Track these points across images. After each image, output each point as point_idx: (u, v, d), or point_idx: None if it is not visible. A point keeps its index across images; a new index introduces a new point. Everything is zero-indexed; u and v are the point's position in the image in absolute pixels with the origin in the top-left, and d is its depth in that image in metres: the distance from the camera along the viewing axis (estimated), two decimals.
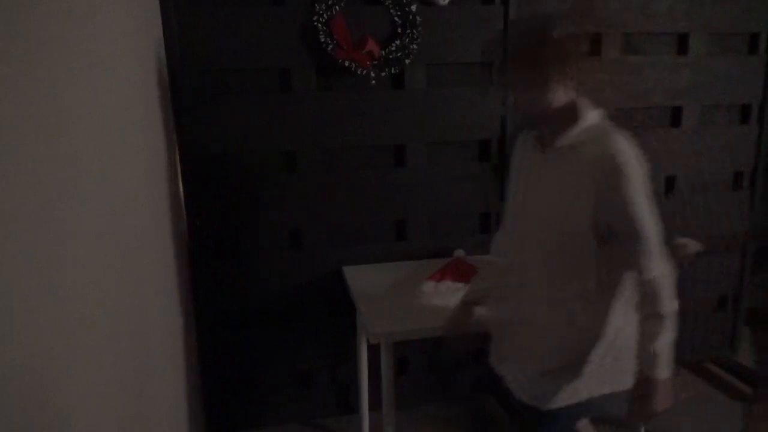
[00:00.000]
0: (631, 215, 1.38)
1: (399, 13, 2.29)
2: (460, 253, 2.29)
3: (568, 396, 1.52)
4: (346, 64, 2.25)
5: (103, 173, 1.10)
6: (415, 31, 2.30)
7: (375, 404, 2.31)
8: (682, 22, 2.63)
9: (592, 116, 1.45)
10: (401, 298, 2.04)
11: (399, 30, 2.31)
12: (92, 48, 1.10)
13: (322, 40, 2.21)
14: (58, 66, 0.89)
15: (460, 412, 2.73)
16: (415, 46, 2.31)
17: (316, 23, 2.20)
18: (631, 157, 1.38)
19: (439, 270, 2.17)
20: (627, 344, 1.50)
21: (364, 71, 2.28)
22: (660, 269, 1.41)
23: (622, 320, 1.50)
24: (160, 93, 1.89)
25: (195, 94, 2.17)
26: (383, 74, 2.31)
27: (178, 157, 2.13)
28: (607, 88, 1.62)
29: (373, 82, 2.30)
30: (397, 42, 2.30)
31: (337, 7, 2.22)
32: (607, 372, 1.51)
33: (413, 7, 2.28)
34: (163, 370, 1.58)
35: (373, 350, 2.07)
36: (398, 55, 2.30)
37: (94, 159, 1.05)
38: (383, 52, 2.29)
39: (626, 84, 2.63)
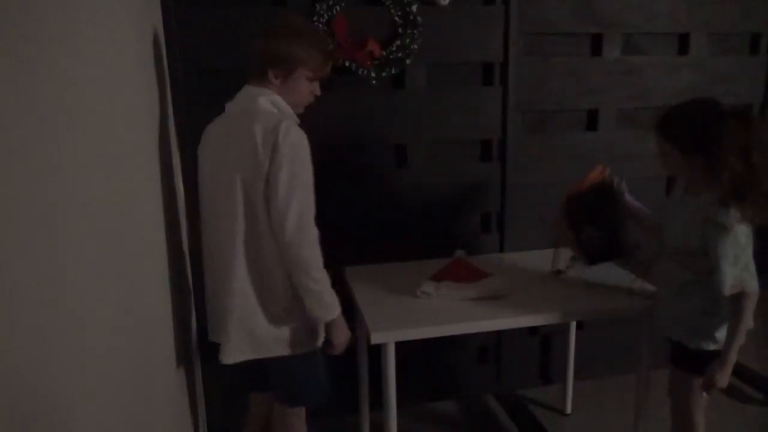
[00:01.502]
0: None
1: (399, 13, 2.29)
2: (460, 253, 2.28)
3: None
4: (347, 64, 2.25)
5: (103, 174, 1.10)
6: (415, 31, 2.30)
7: (375, 404, 2.31)
8: (682, 22, 2.63)
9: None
10: (402, 298, 2.04)
11: (399, 30, 2.30)
12: (92, 48, 1.10)
13: None
14: (58, 66, 0.89)
15: (460, 412, 2.73)
16: (415, 46, 2.31)
17: (316, 23, 2.20)
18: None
19: (439, 270, 2.17)
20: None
21: (365, 71, 2.28)
22: None
23: None
24: (160, 93, 1.89)
25: (195, 94, 2.17)
26: (384, 74, 2.31)
27: (178, 158, 2.13)
28: None
29: (374, 82, 2.30)
30: (398, 42, 2.30)
31: (337, 7, 2.22)
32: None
33: (414, 7, 2.28)
34: (164, 370, 1.58)
35: (374, 350, 2.07)
36: (399, 55, 2.30)
37: (94, 160, 1.05)
38: (384, 52, 2.29)
39: (627, 84, 2.63)
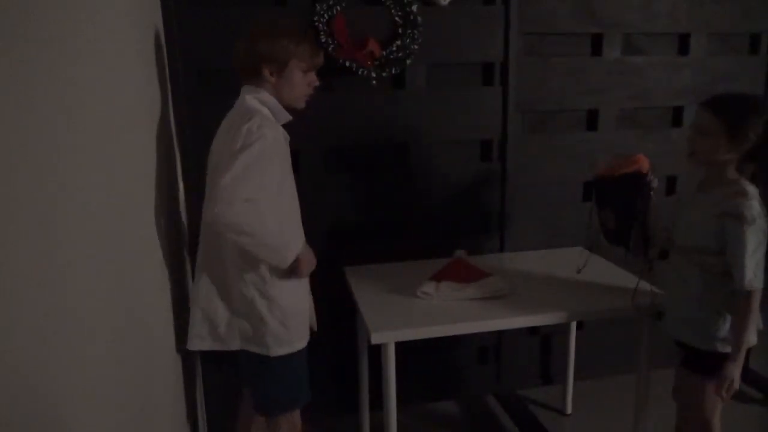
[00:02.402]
0: None
1: (400, 13, 2.29)
2: (460, 253, 2.28)
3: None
4: (347, 64, 2.25)
5: (103, 175, 1.10)
6: (415, 31, 2.30)
7: (375, 404, 2.31)
8: (682, 22, 2.63)
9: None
10: (402, 298, 2.04)
11: (400, 30, 2.30)
12: (92, 48, 1.11)
13: (323, 40, 2.21)
14: (58, 66, 0.89)
15: (460, 412, 2.73)
16: (415, 47, 2.31)
17: (316, 23, 2.20)
18: None
19: (439, 270, 2.17)
20: None
21: (365, 71, 2.28)
22: None
23: None
24: (161, 93, 1.89)
25: (195, 94, 2.17)
26: (384, 74, 2.31)
27: (178, 158, 2.13)
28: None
29: (374, 82, 2.30)
30: (398, 42, 2.30)
31: (337, 7, 2.22)
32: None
33: (414, 7, 2.28)
34: (164, 370, 1.58)
35: (374, 350, 2.07)
36: (399, 55, 2.30)
37: (94, 160, 1.05)
38: (384, 52, 2.29)
39: (627, 84, 2.63)
